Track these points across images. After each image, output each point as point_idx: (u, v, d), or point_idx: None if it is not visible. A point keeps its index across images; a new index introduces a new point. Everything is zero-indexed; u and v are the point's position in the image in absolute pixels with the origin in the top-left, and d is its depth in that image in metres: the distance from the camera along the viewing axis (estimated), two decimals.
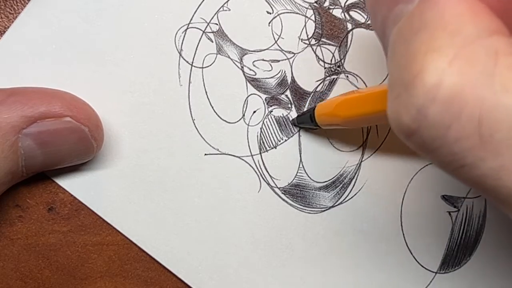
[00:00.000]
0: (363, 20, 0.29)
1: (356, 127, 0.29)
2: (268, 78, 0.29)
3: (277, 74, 0.29)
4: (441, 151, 0.15)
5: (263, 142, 0.28)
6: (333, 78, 0.29)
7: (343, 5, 0.29)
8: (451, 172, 0.16)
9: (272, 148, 0.29)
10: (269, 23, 0.29)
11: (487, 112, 0.14)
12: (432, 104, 0.15)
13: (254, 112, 0.28)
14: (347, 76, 0.29)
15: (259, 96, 0.28)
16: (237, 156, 0.28)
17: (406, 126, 0.15)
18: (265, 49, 0.29)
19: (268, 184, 0.28)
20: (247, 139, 0.28)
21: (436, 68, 0.14)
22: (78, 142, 0.25)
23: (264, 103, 0.29)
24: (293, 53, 0.29)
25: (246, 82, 0.28)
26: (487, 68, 0.14)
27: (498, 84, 0.14)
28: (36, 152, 0.24)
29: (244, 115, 0.28)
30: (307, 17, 0.29)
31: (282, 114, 0.29)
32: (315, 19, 0.29)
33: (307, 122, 0.28)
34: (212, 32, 0.28)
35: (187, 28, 0.28)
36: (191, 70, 0.28)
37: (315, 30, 0.29)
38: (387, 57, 0.17)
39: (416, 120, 0.15)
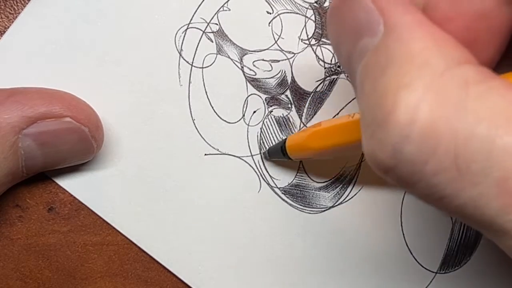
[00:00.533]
0: None
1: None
2: (268, 78, 0.29)
3: (277, 74, 0.29)
4: (420, 185, 0.15)
5: (263, 142, 0.28)
6: (333, 78, 0.29)
7: None
8: (431, 203, 0.16)
9: None
10: (269, 23, 0.29)
11: (462, 144, 0.14)
12: (407, 141, 0.14)
13: (254, 112, 0.28)
14: (347, 76, 0.29)
15: (259, 96, 0.29)
16: (237, 156, 0.28)
17: (382, 163, 0.15)
18: (265, 49, 0.29)
19: (268, 184, 0.28)
20: (247, 139, 0.28)
21: (408, 105, 0.14)
22: (78, 143, 0.25)
23: (264, 103, 0.29)
24: (293, 53, 0.29)
25: (246, 82, 0.28)
26: (459, 100, 0.14)
27: (470, 115, 0.14)
28: (36, 153, 0.24)
29: (244, 115, 0.28)
30: (307, 17, 0.29)
31: (282, 114, 0.29)
32: (315, 19, 0.29)
33: (278, 155, 0.27)
34: (212, 32, 0.28)
35: (187, 28, 0.28)
36: (191, 70, 0.28)
37: (315, 30, 0.29)
38: (356, 93, 0.17)
39: (392, 157, 0.15)
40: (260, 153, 0.28)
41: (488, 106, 0.14)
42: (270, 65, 0.29)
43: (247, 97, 0.28)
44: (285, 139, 0.27)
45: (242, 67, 0.28)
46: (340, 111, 0.29)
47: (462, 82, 0.14)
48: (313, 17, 0.29)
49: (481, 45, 0.17)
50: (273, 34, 0.29)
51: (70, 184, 0.27)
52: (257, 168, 0.28)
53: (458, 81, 0.14)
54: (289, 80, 0.29)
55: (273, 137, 0.29)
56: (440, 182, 0.14)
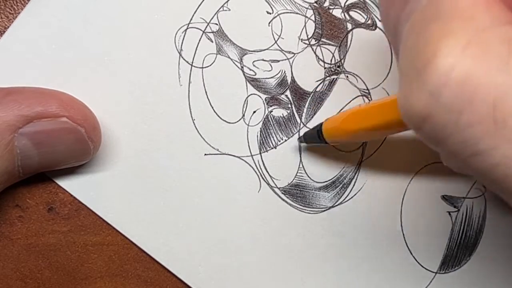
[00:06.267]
0: (363, 20, 0.29)
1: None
2: (268, 78, 0.29)
3: (277, 74, 0.29)
4: (453, 138, 0.15)
5: (263, 142, 0.28)
6: (333, 78, 0.29)
7: (343, 5, 0.29)
8: (462, 161, 0.15)
9: (272, 148, 0.29)
10: (269, 23, 0.29)
11: (501, 97, 0.14)
12: (444, 88, 0.14)
13: (254, 112, 0.28)
14: (347, 76, 0.29)
15: (259, 96, 0.28)
16: (237, 156, 0.28)
17: (417, 112, 0.15)
18: (265, 49, 0.29)
19: (268, 184, 0.28)
20: (247, 139, 0.28)
21: (450, 52, 0.14)
22: (74, 143, 0.25)
23: (264, 103, 0.29)
24: (293, 53, 0.29)
25: (246, 82, 0.28)
26: (501, 55, 0.14)
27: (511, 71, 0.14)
28: (32, 152, 0.24)
29: (244, 115, 0.28)
30: (307, 17, 0.29)
31: (282, 114, 0.29)
32: (315, 19, 0.29)
33: (315, 139, 0.27)
34: (212, 32, 0.28)
35: (187, 28, 0.28)
36: (191, 70, 0.28)
37: (315, 30, 0.29)
38: (399, 53, 0.17)
39: (427, 105, 0.15)
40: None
41: None
42: (270, 65, 0.29)
43: (247, 97, 0.28)
44: (322, 123, 0.27)
45: (242, 67, 0.28)
46: (340, 111, 0.29)
47: (505, 40, 0.14)
48: (313, 17, 0.29)
49: None
50: (273, 34, 0.29)
51: (70, 184, 0.27)
52: (257, 168, 0.28)
53: (501, 38, 0.14)
54: (289, 80, 0.29)
55: (273, 137, 0.29)
56: (474, 135, 0.14)
